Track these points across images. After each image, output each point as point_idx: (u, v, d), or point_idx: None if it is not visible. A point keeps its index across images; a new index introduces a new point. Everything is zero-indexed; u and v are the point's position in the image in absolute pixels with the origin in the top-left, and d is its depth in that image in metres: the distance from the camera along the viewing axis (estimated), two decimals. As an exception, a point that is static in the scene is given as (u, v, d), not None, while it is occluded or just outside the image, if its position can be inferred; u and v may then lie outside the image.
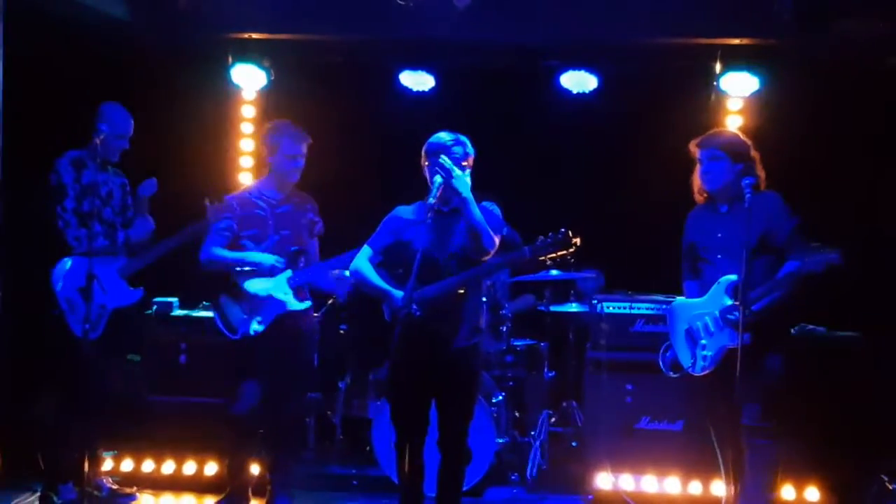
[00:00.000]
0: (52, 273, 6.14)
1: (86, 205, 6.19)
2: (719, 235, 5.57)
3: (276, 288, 6.14)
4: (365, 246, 5.57)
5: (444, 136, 5.45)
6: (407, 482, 5.39)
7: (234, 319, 6.12)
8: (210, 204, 6.21)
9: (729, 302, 5.40)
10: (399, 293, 5.28)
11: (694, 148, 5.73)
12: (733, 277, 5.38)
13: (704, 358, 5.50)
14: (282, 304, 6.14)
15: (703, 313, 5.54)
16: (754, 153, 5.62)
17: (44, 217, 6.19)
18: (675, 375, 5.74)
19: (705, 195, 5.74)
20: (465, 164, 5.39)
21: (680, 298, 5.82)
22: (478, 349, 5.50)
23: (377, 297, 5.45)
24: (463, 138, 5.47)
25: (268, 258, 6.12)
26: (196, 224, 6.24)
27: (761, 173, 5.57)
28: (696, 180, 5.76)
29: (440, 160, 5.28)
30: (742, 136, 5.75)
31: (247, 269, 6.11)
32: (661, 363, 5.82)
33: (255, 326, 6.09)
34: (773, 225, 5.42)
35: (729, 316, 5.38)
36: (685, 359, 5.64)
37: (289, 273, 6.16)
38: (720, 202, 5.64)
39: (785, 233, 5.42)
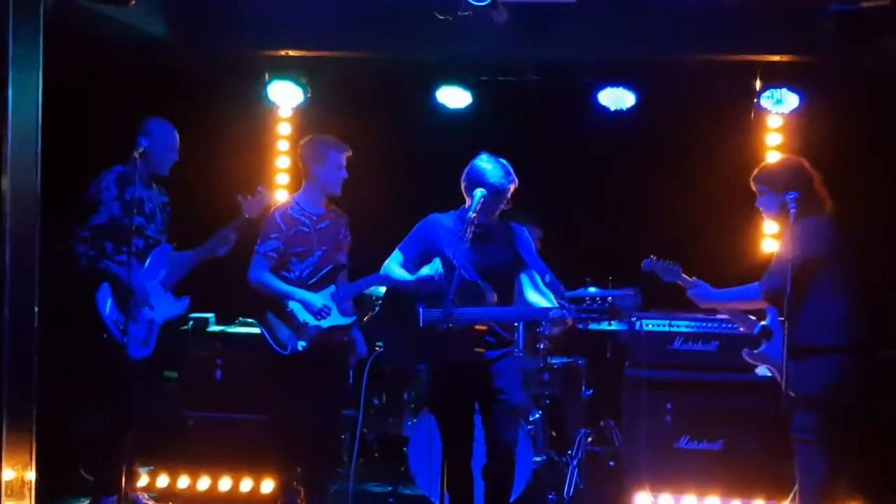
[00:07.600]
0: (97, 297, 6.09)
1: (128, 221, 6.04)
2: None
3: (321, 303, 6.15)
4: (396, 250, 5.61)
5: (494, 171, 5.37)
6: (457, 490, 5.38)
7: (283, 335, 6.12)
8: (244, 199, 6.25)
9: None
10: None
11: None
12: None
13: None
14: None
15: None
16: (810, 176, 5.48)
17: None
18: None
19: None
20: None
21: None
22: (513, 357, 5.59)
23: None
24: (508, 166, 5.43)
25: (317, 300, 6.11)
26: (230, 225, 6.29)
27: (820, 195, 5.46)
28: None
29: None
30: (787, 163, 5.63)
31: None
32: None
33: (303, 342, 6.08)
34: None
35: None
36: None
37: (332, 288, 6.17)
38: None
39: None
